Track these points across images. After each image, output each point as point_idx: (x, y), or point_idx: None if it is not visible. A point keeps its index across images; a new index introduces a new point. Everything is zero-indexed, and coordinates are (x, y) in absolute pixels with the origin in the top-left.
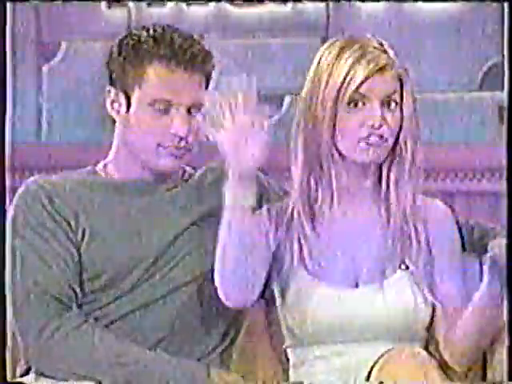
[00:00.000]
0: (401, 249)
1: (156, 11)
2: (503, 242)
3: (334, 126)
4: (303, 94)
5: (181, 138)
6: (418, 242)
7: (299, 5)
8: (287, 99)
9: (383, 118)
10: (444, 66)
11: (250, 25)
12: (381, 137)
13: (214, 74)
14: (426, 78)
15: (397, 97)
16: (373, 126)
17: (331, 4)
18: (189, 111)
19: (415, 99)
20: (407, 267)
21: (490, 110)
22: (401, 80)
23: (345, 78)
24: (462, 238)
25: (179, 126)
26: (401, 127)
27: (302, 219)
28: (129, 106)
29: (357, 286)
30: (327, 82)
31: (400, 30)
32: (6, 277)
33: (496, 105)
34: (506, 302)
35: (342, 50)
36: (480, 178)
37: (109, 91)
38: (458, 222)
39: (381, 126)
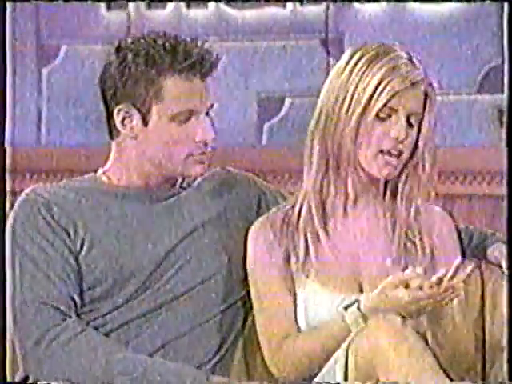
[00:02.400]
0: (405, 255)
1: (155, 14)
2: (503, 247)
3: (357, 135)
4: (323, 98)
5: (206, 144)
6: (423, 249)
7: (298, 7)
8: (287, 101)
9: (406, 132)
10: (443, 68)
11: (249, 27)
12: (399, 154)
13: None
14: None
15: (420, 114)
16: (397, 139)
17: (330, 6)
18: (206, 114)
19: (435, 117)
20: None
21: (489, 113)
22: (426, 97)
23: (375, 90)
24: (461, 243)
25: (206, 133)
26: (417, 142)
27: (313, 217)
28: (145, 121)
29: (361, 291)
30: (354, 92)
31: (399, 33)
32: (6, 277)
33: (495, 107)
34: (506, 302)
35: (372, 59)
36: (480, 181)
37: (119, 110)
38: (457, 228)
39: (403, 139)
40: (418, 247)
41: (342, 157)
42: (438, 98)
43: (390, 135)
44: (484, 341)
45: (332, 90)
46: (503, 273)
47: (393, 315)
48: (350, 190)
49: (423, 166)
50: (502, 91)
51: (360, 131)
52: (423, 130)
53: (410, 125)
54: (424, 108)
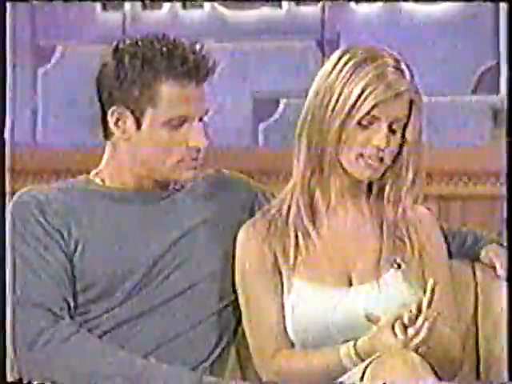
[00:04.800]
0: (394, 252)
1: (151, 14)
2: (497, 249)
3: (339, 139)
4: (311, 96)
5: (198, 150)
6: (412, 247)
7: (294, 7)
8: (282, 102)
9: (388, 140)
10: (438, 69)
11: (245, 28)
12: (381, 159)
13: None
14: (419, 80)
15: (404, 120)
16: (377, 147)
17: (326, 7)
18: (199, 120)
19: (422, 122)
20: (399, 266)
21: (484, 114)
22: (411, 104)
23: (359, 97)
24: (453, 245)
25: (198, 139)
26: (402, 147)
27: (302, 215)
28: (138, 124)
29: (350, 285)
30: (339, 96)
31: (394, 33)
32: (6, 276)
33: (490, 108)
34: (506, 302)
35: (359, 64)
36: (475, 181)
37: (113, 112)
38: (450, 229)
39: (385, 147)
40: (407, 245)
41: (325, 158)
42: (434, 98)
43: (371, 142)
44: (477, 341)
45: (318, 90)
46: (497, 274)
47: (410, 352)
48: (332, 190)
49: (407, 171)
50: (497, 92)
51: (342, 136)
52: (407, 137)
53: (392, 131)
54: (409, 114)
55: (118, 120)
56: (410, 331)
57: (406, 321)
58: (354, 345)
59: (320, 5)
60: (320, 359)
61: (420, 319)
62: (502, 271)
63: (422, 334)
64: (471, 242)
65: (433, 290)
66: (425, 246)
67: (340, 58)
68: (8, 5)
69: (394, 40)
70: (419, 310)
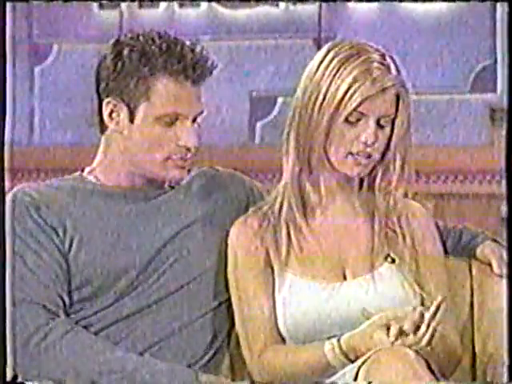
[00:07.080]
0: (387, 244)
1: (148, 13)
2: (493, 246)
3: (327, 136)
4: (298, 94)
5: (188, 150)
6: (404, 237)
7: (291, 6)
8: (280, 100)
9: (376, 136)
10: (435, 68)
11: (242, 26)
12: (369, 156)
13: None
14: (416, 79)
15: (391, 115)
16: (365, 143)
17: (323, 5)
18: (193, 121)
19: (410, 116)
20: (393, 260)
21: (481, 112)
22: (398, 98)
23: (345, 94)
24: (448, 242)
25: (189, 138)
26: (390, 141)
27: (294, 211)
28: (131, 117)
29: (345, 278)
30: (326, 93)
31: (391, 32)
32: (5, 274)
33: (487, 107)
34: (506, 302)
35: (344, 61)
36: (471, 180)
37: (108, 103)
38: (446, 227)
39: (373, 143)
40: (399, 235)
41: (314, 156)
42: (430, 97)
43: (359, 139)
44: (473, 338)
45: (305, 87)
46: (493, 271)
47: (405, 348)
48: (322, 187)
49: (394, 163)
50: (494, 90)
51: (330, 134)
52: (395, 132)
53: (380, 126)
54: (397, 109)
55: (112, 112)
56: (411, 338)
57: (406, 328)
58: (338, 340)
59: (317, 3)
60: (306, 355)
61: (422, 328)
62: (498, 268)
63: (423, 343)
64: (467, 239)
65: (438, 307)
66: (418, 239)
67: (326, 55)
68: (4, 3)
69: (391, 39)
70: (421, 317)
